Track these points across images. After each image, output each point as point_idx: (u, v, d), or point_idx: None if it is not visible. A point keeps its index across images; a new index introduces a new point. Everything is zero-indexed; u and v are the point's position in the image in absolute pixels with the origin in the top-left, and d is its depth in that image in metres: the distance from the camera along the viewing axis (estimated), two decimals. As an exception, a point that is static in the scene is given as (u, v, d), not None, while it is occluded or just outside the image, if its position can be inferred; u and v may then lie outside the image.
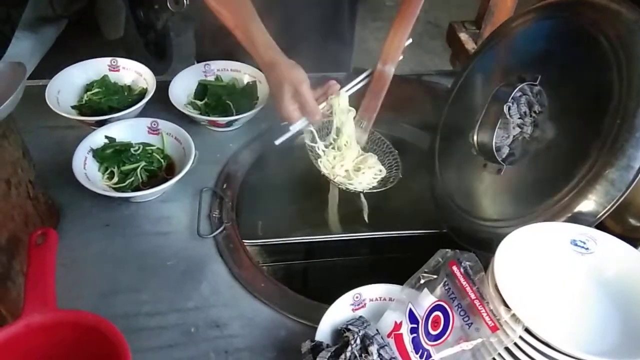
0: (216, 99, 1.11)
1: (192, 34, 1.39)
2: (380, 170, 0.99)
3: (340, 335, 0.67)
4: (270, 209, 1.11)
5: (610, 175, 0.68)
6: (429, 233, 0.96)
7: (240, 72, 1.17)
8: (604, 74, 0.71)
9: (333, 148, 0.99)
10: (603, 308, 0.64)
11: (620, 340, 0.60)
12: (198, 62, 1.22)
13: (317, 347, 0.65)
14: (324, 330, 0.69)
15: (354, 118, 0.99)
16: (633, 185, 0.67)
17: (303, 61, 0.93)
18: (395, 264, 0.92)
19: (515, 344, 0.58)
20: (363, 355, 0.63)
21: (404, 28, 1.00)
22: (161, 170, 0.98)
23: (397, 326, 0.66)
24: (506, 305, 0.58)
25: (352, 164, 0.99)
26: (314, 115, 0.92)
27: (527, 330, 0.57)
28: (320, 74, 1.24)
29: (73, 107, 1.08)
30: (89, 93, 1.10)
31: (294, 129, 0.93)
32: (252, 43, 0.94)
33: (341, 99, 0.95)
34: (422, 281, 0.67)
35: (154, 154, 0.99)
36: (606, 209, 0.69)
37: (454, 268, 0.65)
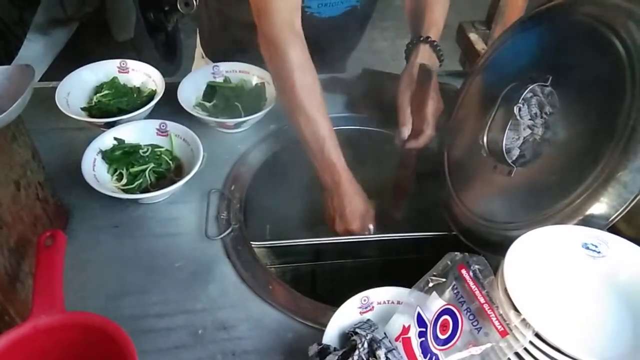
0: (225, 100, 1.11)
1: (197, 33, 1.39)
2: None
3: (348, 339, 0.66)
4: (278, 210, 1.10)
5: (622, 178, 0.67)
6: (438, 235, 0.95)
7: (249, 74, 1.17)
8: (616, 74, 0.70)
9: None
10: (615, 312, 0.62)
11: (633, 346, 0.59)
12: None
13: (325, 351, 0.65)
14: (331, 334, 0.68)
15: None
16: (646, 187, 0.66)
17: None
18: (403, 267, 0.92)
19: (526, 349, 0.57)
20: (370, 359, 0.63)
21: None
22: (169, 171, 0.98)
23: (405, 330, 0.65)
24: (516, 310, 0.58)
25: None
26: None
27: (537, 335, 0.56)
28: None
29: (82, 109, 1.09)
30: (98, 95, 1.11)
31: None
32: (323, 155, 0.93)
33: None
34: (430, 284, 0.67)
35: (163, 155, 0.99)
36: (618, 211, 0.68)
37: (463, 271, 0.64)
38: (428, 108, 0.97)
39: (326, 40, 1.16)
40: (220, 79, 1.17)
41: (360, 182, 0.99)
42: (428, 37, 1.01)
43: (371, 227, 0.98)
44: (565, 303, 0.64)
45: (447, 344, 0.61)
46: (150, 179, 0.96)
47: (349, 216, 0.95)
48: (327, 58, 1.20)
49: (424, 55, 1.01)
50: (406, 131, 0.99)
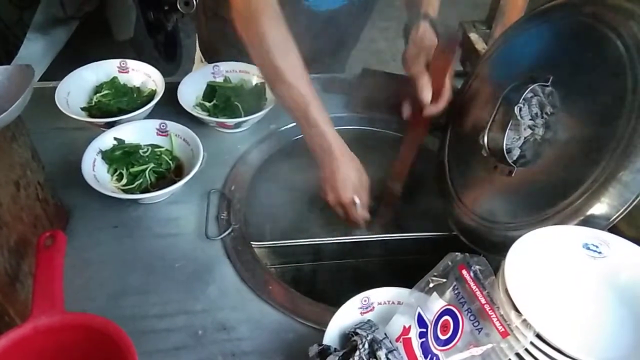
0: (225, 100, 1.11)
1: (196, 35, 1.39)
2: None
3: (348, 339, 0.66)
4: (278, 210, 1.10)
5: (623, 178, 0.66)
6: (438, 235, 0.95)
7: (249, 73, 1.17)
8: (617, 75, 0.70)
9: None
10: (616, 313, 0.62)
11: (634, 346, 0.59)
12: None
13: (325, 351, 0.65)
14: (331, 334, 0.68)
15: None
16: (647, 187, 0.66)
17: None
18: (404, 267, 0.92)
19: (526, 350, 0.57)
20: (371, 359, 0.63)
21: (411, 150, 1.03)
22: (169, 171, 0.98)
23: (406, 330, 0.65)
24: (517, 310, 0.57)
25: None
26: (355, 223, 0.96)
27: (538, 336, 0.56)
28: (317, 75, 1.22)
29: (82, 109, 1.09)
30: (98, 95, 1.11)
31: None
32: (309, 122, 0.90)
33: None
34: (431, 285, 0.67)
35: (163, 155, 0.99)
36: (619, 212, 0.67)
37: (464, 272, 0.64)
38: (449, 72, 0.94)
39: (324, 37, 1.15)
40: (220, 79, 1.17)
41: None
42: (427, 15, 1.00)
43: (364, 199, 0.94)
44: (566, 304, 0.63)
45: (447, 344, 0.61)
46: (150, 179, 0.96)
47: (340, 185, 0.92)
48: (326, 57, 1.20)
49: (425, 32, 0.99)
50: (428, 94, 0.95)
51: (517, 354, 0.58)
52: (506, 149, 0.80)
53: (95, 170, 0.93)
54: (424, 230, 0.97)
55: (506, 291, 0.59)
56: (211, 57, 1.32)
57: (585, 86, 0.75)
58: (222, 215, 0.93)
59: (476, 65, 1.00)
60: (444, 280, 0.66)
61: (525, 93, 0.78)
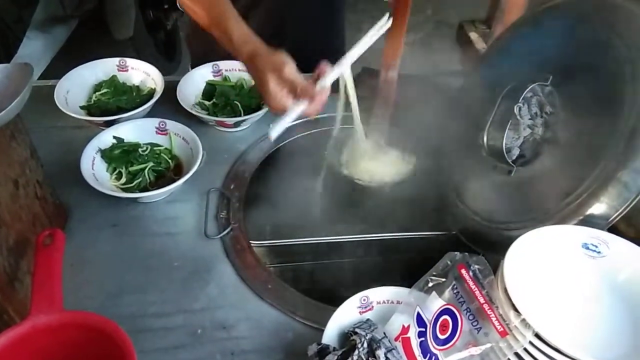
0: (224, 99, 1.11)
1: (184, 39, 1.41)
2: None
3: (347, 339, 0.66)
4: (278, 209, 1.10)
5: (623, 178, 0.67)
6: (438, 235, 0.95)
7: (249, 72, 1.17)
8: (617, 75, 0.70)
9: None
10: (615, 313, 0.62)
11: (633, 346, 0.59)
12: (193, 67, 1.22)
13: (324, 350, 0.65)
14: (330, 333, 0.68)
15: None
16: (646, 187, 0.66)
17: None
18: (403, 266, 0.92)
19: (525, 349, 0.57)
20: (370, 359, 0.63)
21: (399, 30, 0.99)
22: (169, 170, 0.98)
23: (405, 330, 0.65)
24: (516, 310, 0.57)
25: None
26: (307, 94, 0.80)
27: (537, 336, 0.56)
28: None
29: (82, 108, 1.09)
30: (97, 93, 1.11)
31: (290, 117, 0.82)
32: (230, 40, 0.86)
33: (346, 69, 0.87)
34: (430, 284, 0.67)
35: (162, 154, 0.99)
36: (618, 211, 0.68)
37: (463, 271, 0.64)
38: None
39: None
40: (219, 78, 1.17)
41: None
42: None
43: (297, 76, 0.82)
44: (565, 303, 0.63)
45: (446, 344, 0.61)
46: (150, 178, 0.96)
47: (272, 89, 0.81)
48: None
49: None
50: None
51: (516, 354, 0.58)
52: (505, 149, 0.80)
53: (94, 168, 0.93)
54: (423, 230, 0.97)
55: (505, 291, 0.59)
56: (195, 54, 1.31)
57: (585, 86, 0.75)
58: (222, 214, 0.93)
59: (476, 64, 1.00)
60: (443, 279, 0.66)
61: (525, 92, 0.78)
